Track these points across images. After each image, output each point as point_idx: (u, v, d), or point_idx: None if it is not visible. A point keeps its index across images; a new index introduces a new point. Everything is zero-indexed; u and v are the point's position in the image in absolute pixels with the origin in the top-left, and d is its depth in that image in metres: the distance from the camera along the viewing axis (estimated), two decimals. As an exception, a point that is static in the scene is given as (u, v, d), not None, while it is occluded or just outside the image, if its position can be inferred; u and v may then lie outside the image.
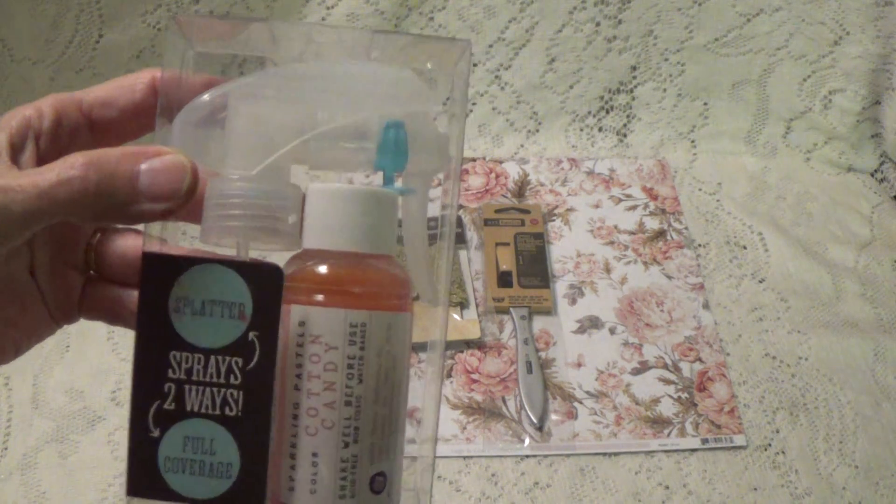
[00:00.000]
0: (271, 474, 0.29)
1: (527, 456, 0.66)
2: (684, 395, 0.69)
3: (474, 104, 0.87)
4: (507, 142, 0.88)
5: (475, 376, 0.70)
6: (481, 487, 0.64)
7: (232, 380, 0.29)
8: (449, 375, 0.70)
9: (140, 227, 0.31)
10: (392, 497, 0.31)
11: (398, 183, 0.32)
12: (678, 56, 0.87)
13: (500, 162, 0.86)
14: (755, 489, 0.64)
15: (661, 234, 0.81)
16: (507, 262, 0.77)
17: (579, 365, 0.71)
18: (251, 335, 0.28)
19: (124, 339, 0.71)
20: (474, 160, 0.86)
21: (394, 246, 0.31)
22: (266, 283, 0.29)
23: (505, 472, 0.65)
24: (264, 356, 0.28)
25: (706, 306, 0.75)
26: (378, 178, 0.31)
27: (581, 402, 0.68)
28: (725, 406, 0.69)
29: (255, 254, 0.30)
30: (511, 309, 0.73)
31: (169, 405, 0.29)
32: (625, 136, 0.89)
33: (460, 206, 0.82)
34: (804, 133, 0.89)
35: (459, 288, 0.74)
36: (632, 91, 0.88)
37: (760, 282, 0.78)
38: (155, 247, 0.31)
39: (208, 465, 0.29)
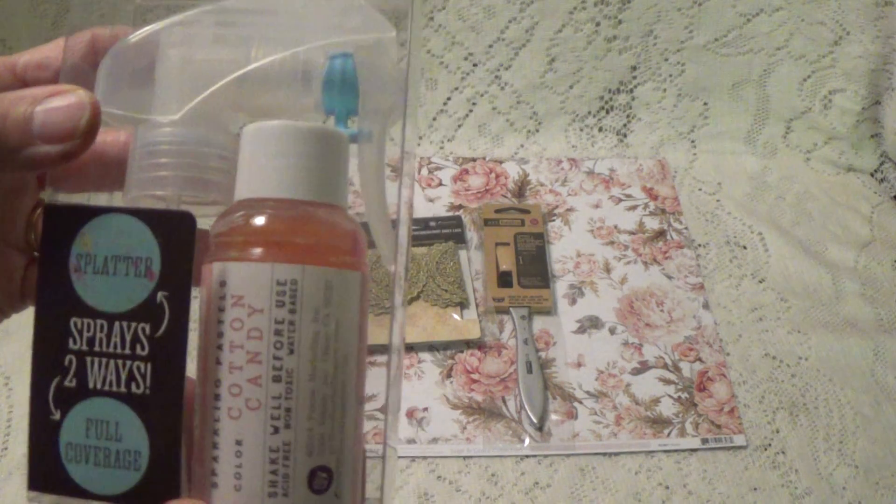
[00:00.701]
0: (195, 467, 0.25)
1: (527, 456, 0.66)
2: (684, 395, 0.69)
3: (474, 104, 0.87)
4: (507, 142, 0.88)
5: (475, 376, 0.70)
6: (481, 487, 0.64)
7: (139, 350, 0.24)
8: (449, 375, 0.70)
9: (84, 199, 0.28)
10: (342, 498, 0.25)
11: (353, 127, 0.28)
12: (678, 56, 0.87)
13: (500, 162, 0.86)
14: (755, 489, 0.64)
15: (661, 234, 0.81)
16: (507, 262, 0.77)
17: (579, 365, 0.71)
18: (160, 296, 0.24)
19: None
20: (474, 160, 0.86)
21: (344, 196, 0.26)
22: (175, 234, 0.24)
23: (505, 472, 0.65)
24: (175, 321, 0.24)
25: (706, 306, 0.75)
26: (330, 124, 0.27)
27: (581, 402, 0.68)
28: (725, 406, 0.69)
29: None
30: (511, 309, 0.73)
31: (70, 382, 0.25)
32: (625, 136, 0.89)
33: (460, 206, 0.82)
34: (804, 133, 0.89)
35: (459, 288, 0.74)
36: (632, 91, 0.88)
37: (760, 282, 0.78)
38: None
39: (114, 454, 0.24)
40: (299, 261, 0.24)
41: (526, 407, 0.67)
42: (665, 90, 0.88)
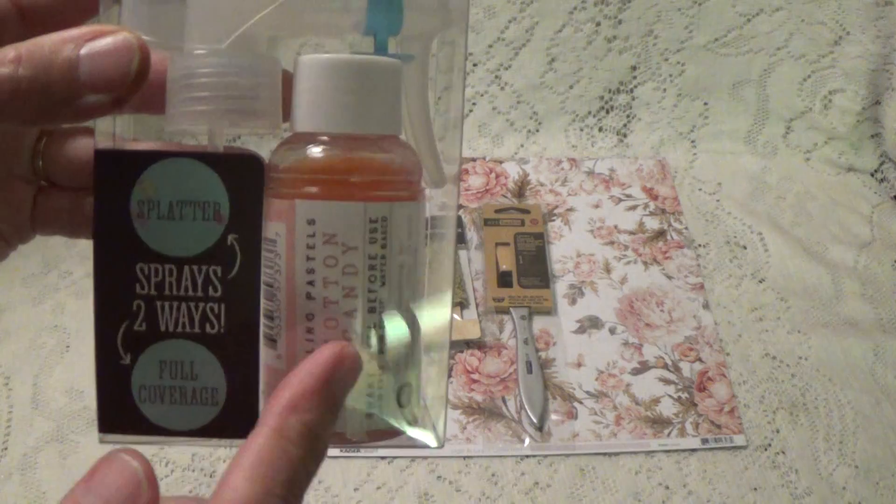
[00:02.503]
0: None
1: (527, 456, 0.66)
2: (684, 395, 0.69)
3: (474, 104, 0.87)
4: (507, 142, 0.88)
5: (475, 376, 0.70)
6: (481, 487, 0.64)
7: (211, 292, 0.25)
8: (449, 375, 0.70)
9: (90, 123, 0.27)
10: (415, 410, 0.28)
11: (392, 49, 0.28)
12: (678, 56, 0.87)
13: (500, 162, 0.86)
14: (755, 489, 0.64)
15: (661, 234, 0.81)
16: (507, 262, 0.77)
17: (579, 365, 0.71)
18: (230, 238, 0.25)
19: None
20: (474, 160, 0.86)
21: (400, 124, 0.27)
22: (244, 177, 0.25)
23: (505, 472, 0.65)
24: (247, 262, 0.25)
25: (706, 306, 0.75)
26: (367, 44, 0.27)
27: (581, 402, 0.68)
28: (725, 406, 0.69)
29: (231, 142, 0.26)
30: (511, 309, 0.73)
31: (139, 326, 0.25)
32: (625, 136, 0.89)
33: (460, 207, 0.82)
34: (804, 133, 0.89)
35: (459, 288, 0.74)
36: (632, 91, 0.88)
37: (760, 282, 0.78)
38: (109, 143, 0.27)
39: (190, 392, 0.25)
40: (387, 198, 0.25)
41: (526, 407, 0.67)
42: (665, 90, 0.88)
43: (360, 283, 0.25)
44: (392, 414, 0.27)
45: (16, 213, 0.29)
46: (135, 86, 0.24)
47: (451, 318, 0.29)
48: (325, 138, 0.25)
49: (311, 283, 0.25)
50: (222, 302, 0.25)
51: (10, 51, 0.23)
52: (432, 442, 0.28)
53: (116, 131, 0.27)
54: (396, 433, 0.27)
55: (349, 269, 0.25)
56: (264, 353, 0.26)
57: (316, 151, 0.25)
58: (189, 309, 0.25)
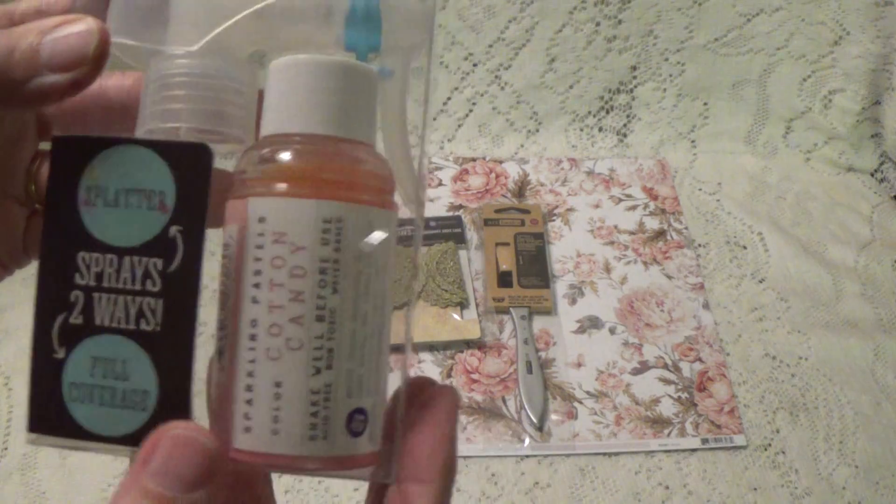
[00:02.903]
0: (221, 414, 0.24)
1: (527, 456, 0.66)
2: (684, 395, 0.69)
3: (474, 104, 0.87)
4: (507, 142, 0.88)
5: (475, 376, 0.70)
6: (481, 487, 0.64)
7: (149, 286, 0.23)
8: (449, 375, 0.70)
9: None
10: (374, 441, 0.24)
11: (374, 65, 0.27)
12: (678, 56, 0.87)
13: (500, 162, 0.86)
14: (755, 489, 0.64)
15: (661, 234, 0.81)
16: (507, 262, 0.77)
17: (579, 365, 0.71)
18: (173, 230, 0.23)
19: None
20: (474, 160, 0.86)
21: (373, 133, 0.26)
22: (191, 167, 0.23)
23: (505, 472, 0.65)
24: (189, 256, 0.23)
25: (706, 306, 0.75)
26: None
27: (581, 402, 0.68)
28: (725, 406, 0.69)
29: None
30: (511, 309, 0.73)
31: (76, 318, 0.23)
32: (625, 136, 0.89)
33: (460, 206, 0.82)
34: (804, 133, 0.89)
35: (459, 288, 0.74)
36: (632, 91, 0.88)
37: (760, 282, 0.78)
38: None
39: (120, 394, 0.23)
40: (344, 198, 0.24)
41: (526, 407, 0.67)
42: (665, 90, 0.88)
43: (308, 287, 0.23)
44: (341, 442, 0.24)
45: (9, 237, 0.29)
46: (93, 67, 0.24)
47: (408, 340, 0.27)
48: (296, 139, 0.24)
49: (256, 285, 0.23)
50: (160, 297, 0.23)
51: None
52: (389, 478, 0.25)
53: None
54: (353, 462, 0.24)
55: (297, 272, 0.23)
56: (215, 366, 0.25)
57: (276, 151, 0.24)
58: (126, 303, 0.23)
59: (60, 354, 0.23)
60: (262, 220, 0.23)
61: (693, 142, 0.89)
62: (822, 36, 0.85)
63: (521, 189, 0.84)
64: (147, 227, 0.23)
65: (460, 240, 0.78)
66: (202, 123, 0.25)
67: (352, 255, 0.24)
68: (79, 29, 0.24)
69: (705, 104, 0.89)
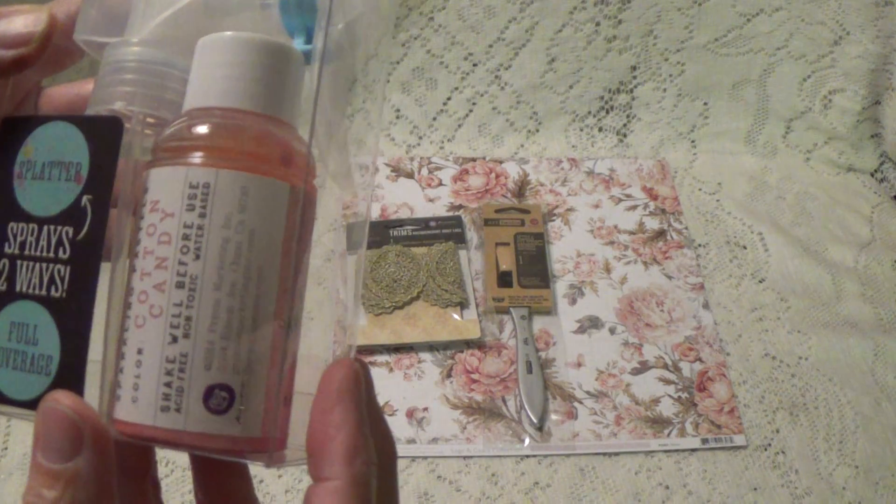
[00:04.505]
0: (108, 378, 0.24)
1: (527, 456, 0.66)
2: (684, 395, 0.69)
3: (474, 104, 0.87)
4: (507, 142, 0.88)
5: (475, 376, 0.70)
6: (481, 487, 0.64)
7: (60, 253, 0.24)
8: (449, 375, 0.70)
9: None
10: (244, 424, 0.23)
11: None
12: (678, 56, 0.87)
13: (500, 162, 0.86)
14: (755, 489, 0.64)
15: (661, 234, 0.81)
16: (507, 262, 0.77)
17: (579, 365, 0.71)
18: (84, 199, 0.24)
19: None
20: (474, 160, 0.86)
21: (291, 112, 0.26)
22: (103, 138, 0.24)
23: (505, 472, 0.65)
24: (95, 224, 0.24)
25: (706, 306, 0.75)
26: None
27: (581, 402, 0.68)
28: (725, 406, 0.69)
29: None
30: (511, 309, 0.73)
31: (1, 285, 0.25)
32: (625, 136, 0.89)
33: (460, 207, 0.82)
34: (804, 133, 0.89)
35: (459, 288, 0.74)
36: (632, 91, 0.88)
37: (760, 282, 0.78)
38: None
39: (30, 358, 0.24)
40: (213, 165, 0.23)
41: (526, 407, 0.67)
42: (665, 90, 0.88)
43: (171, 253, 0.23)
44: (196, 417, 0.23)
45: None
46: (39, 45, 0.25)
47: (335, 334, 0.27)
48: (197, 114, 0.25)
49: (136, 254, 0.24)
50: (68, 264, 0.24)
51: None
52: (260, 461, 0.24)
53: None
54: (212, 442, 0.23)
55: (163, 238, 0.23)
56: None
57: (174, 124, 0.25)
58: (41, 270, 0.24)
59: None
60: (146, 190, 0.24)
61: (693, 142, 0.89)
62: (821, 36, 0.85)
63: (521, 189, 0.84)
64: (64, 197, 0.24)
65: (460, 240, 0.78)
66: (144, 106, 0.26)
67: (219, 222, 0.23)
68: (29, 15, 0.26)
69: (705, 104, 0.89)
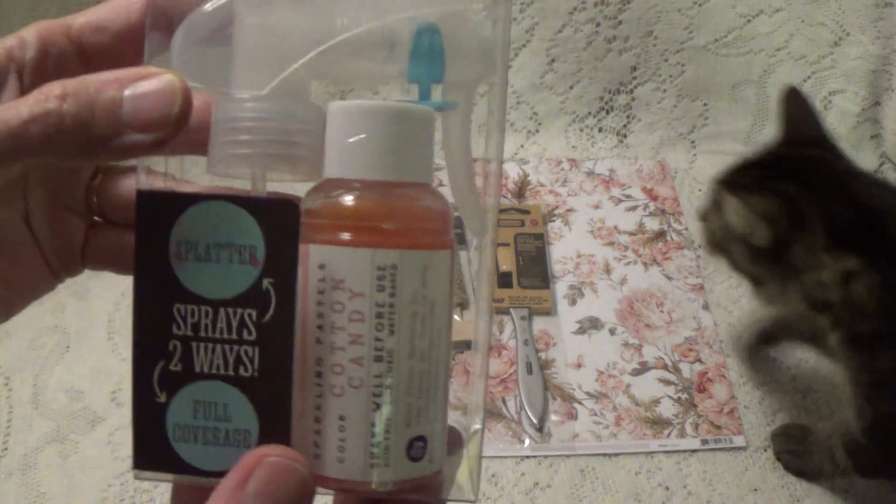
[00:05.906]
0: (295, 440, 0.26)
1: (527, 457, 0.66)
2: (684, 396, 0.69)
3: (474, 104, 0.87)
4: (507, 142, 0.88)
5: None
6: (481, 488, 0.64)
7: (245, 335, 0.25)
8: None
9: (135, 161, 0.27)
10: (435, 463, 0.27)
11: (436, 97, 0.28)
12: (678, 56, 0.87)
13: (500, 162, 0.86)
14: (755, 490, 0.64)
15: (660, 234, 0.81)
16: (507, 262, 0.77)
17: (579, 366, 0.71)
18: (265, 283, 0.25)
19: (124, 340, 0.71)
20: (474, 160, 0.86)
21: (430, 172, 0.27)
22: (280, 222, 0.25)
23: (505, 472, 0.65)
24: (282, 307, 0.25)
25: (706, 307, 0.75)
26: (414, 92, 0.27)
27: (581, 403, 0.68)
28: (725, 407, 0.69)
29: (273, 186, 0.26)
30: (511, 309, 0.73)
31: (175, 366, 0.25)
32: (625, 136, 0.89)
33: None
34: (804, 134, 0.89)
35: (459, 288, 0.74)
36: (632, 91, 0.88)
37: (760, 282, 0.78)
38: (159, 183, 0.27)
39: (223, 433, 0.25)
40: (397, 245, 0.25)
41: (526, 408, 0.67)
42: (665, 90, 0.88)
43: (366, 330, 0.25)
44: (402, 467, 0.26)
45: (66, 247, 0.30)
46: (176, 128, 0.24)
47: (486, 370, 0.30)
48: (355, 185, 0.26)
49: (320, 327, 0.25)
50: (256, 345, 0.25)
51: (57, 87, 0.24)
52: (468, 495, 0.27)
53: (169, 170, 0.28)
54: (415, 484, 0.26)
55: (356, 316, 0.25)
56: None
57: (334, 199, 0.26)
58: (224, 351, 0.25)
59: (162, 399, 0.25)
60: (322, 266, 0.25)
61: (693, 142, 0.89)
62: (821, 37, 0.85)
63: (521, 189, 0.84)
64: (239, 280, 0.25)
65: (460, 240, 0.78)
66: (273, 167, 0.26)
67: (407, 299, 0.25)
68: (160, 86, 0.24)
69: (705, 105, 0.89)
